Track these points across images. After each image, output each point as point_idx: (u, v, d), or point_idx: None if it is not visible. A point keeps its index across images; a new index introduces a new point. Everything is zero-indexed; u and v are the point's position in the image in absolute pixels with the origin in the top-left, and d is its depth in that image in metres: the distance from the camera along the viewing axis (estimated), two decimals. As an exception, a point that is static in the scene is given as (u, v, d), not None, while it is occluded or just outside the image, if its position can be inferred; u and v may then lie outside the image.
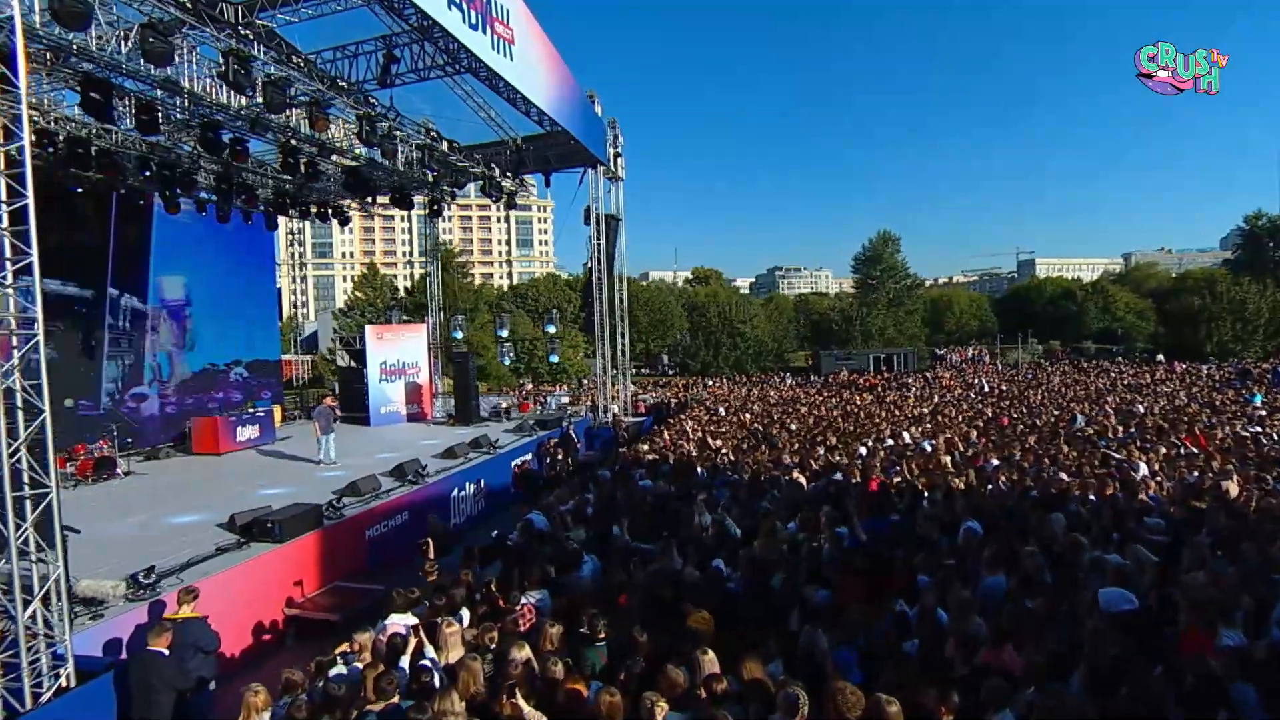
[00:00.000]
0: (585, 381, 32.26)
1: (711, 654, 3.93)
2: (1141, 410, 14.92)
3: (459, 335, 20.79)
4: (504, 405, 20.03)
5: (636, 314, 55.25)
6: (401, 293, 57.03)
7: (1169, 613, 4.47)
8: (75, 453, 11.69)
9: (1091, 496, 7.67)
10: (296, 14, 11.57)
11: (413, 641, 4.58)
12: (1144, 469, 8.84)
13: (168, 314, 15.69)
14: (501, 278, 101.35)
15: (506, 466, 13.63)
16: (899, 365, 32.25)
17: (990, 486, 8.57)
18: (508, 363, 24.70)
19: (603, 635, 4.64)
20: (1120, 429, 12.35)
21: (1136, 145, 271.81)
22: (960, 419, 14.89)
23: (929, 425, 14.25)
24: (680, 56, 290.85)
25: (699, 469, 10.45)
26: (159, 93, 10.28)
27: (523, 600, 5.39)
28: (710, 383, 34.27)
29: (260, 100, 9.85)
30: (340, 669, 4.77)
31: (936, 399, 20.22)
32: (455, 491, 11.60)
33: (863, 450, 11.90)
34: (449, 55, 11.61)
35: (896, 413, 16.82)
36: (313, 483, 10.88)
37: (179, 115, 11.14)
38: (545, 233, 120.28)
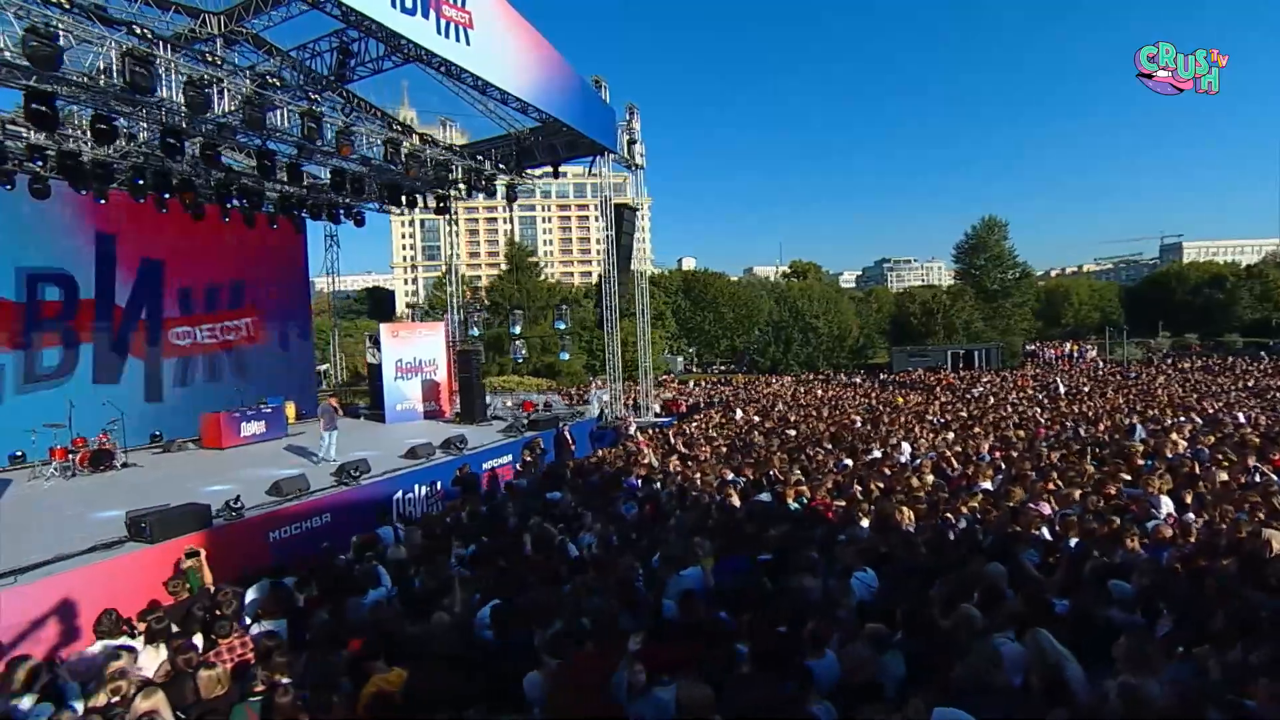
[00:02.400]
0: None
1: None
2: (1241, 420, 11.86)
3: (476, 333, 20.71)
4: (515, 403, 19.73)
5: (722, 310, 54.09)
6: (481, 292, 59.28)
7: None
8: (76, 445, 12.56)
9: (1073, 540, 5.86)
10: (270, 19, 11.83)
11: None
12: (1167, 506, 6.71)
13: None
14: (599, 275, 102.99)
15: (474, 468, 13.14)
16: (980, 362, 28.60)
17: (946, 519, 6.86)
18: (520, 360, 24.32)
19: (260, 689, 3.85)
20: (1182, 445, 9.73)
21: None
22: (996, 426, 12.58)
23: (951, 434, 12.13)
24: (774, 47, 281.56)
25: (624, 481, 9.36)
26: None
27: (253, 629, 4.72)
28: (773, 380, 32.34)
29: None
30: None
31: (992, 400, 17.47)
32: (400, 493, 11.23)
33: (849, 462, 10.29)
34: (388, 45, 11.25)
35: (929, 418, 14.60)
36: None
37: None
38: (643, 229, 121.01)
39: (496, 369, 44.42)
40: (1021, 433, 11.70)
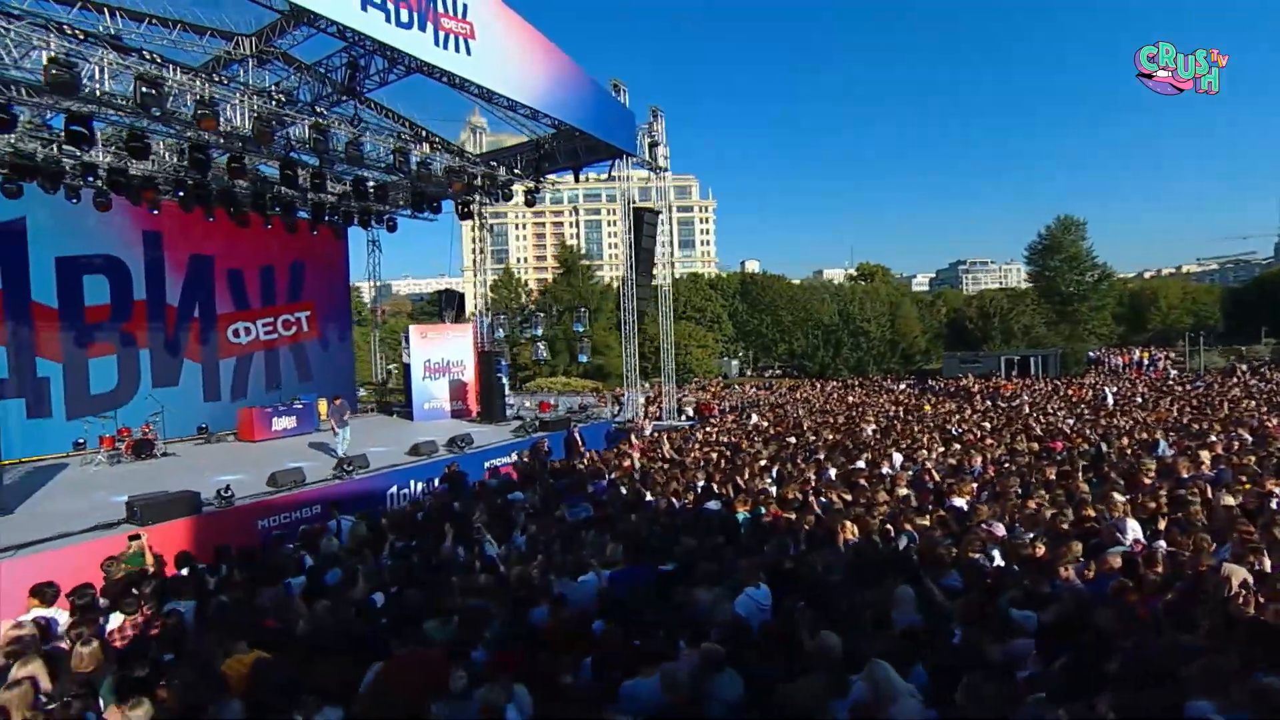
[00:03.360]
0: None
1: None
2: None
3: (501, 335, 21.23)
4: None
5: (780, 313, 53.14)
6: (536, 294, 60.63)
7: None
8: (121, 434, 13.78)
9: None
10: (294, 38, 12.63)
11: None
12: (1134, 532, 6.07)
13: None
14: (663, 278, 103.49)
15: (476, 466, 13.51)
16: (1036, 369, 26.70)
17: (886, 536, 6.49)
18: (542, 360, 24.74)
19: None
20: (1205, 465, 8.74)
21: None
22: (1014, 438, 11.76)
23: (959, 445, 11.43)
24: (845, 44, 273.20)
25: (593, 483, 9.36)
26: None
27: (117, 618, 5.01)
28: (816, 385, 31.44)
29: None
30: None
31: (1027, 410, 16.27)
32: (393, 489, 11.69)
33: (832, 472, 9.89)
34: (388, 59, 11.73)
35: (950, 427, 13.81)
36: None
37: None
38: (707, 233, 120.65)
39: (549, 370, 45.39)
40: (1035, 446, 10.87)
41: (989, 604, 4.70)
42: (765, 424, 15.96)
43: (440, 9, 11.77)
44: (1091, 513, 6.78)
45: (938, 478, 8.71)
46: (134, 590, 5.26)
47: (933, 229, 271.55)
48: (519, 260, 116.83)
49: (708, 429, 15.51)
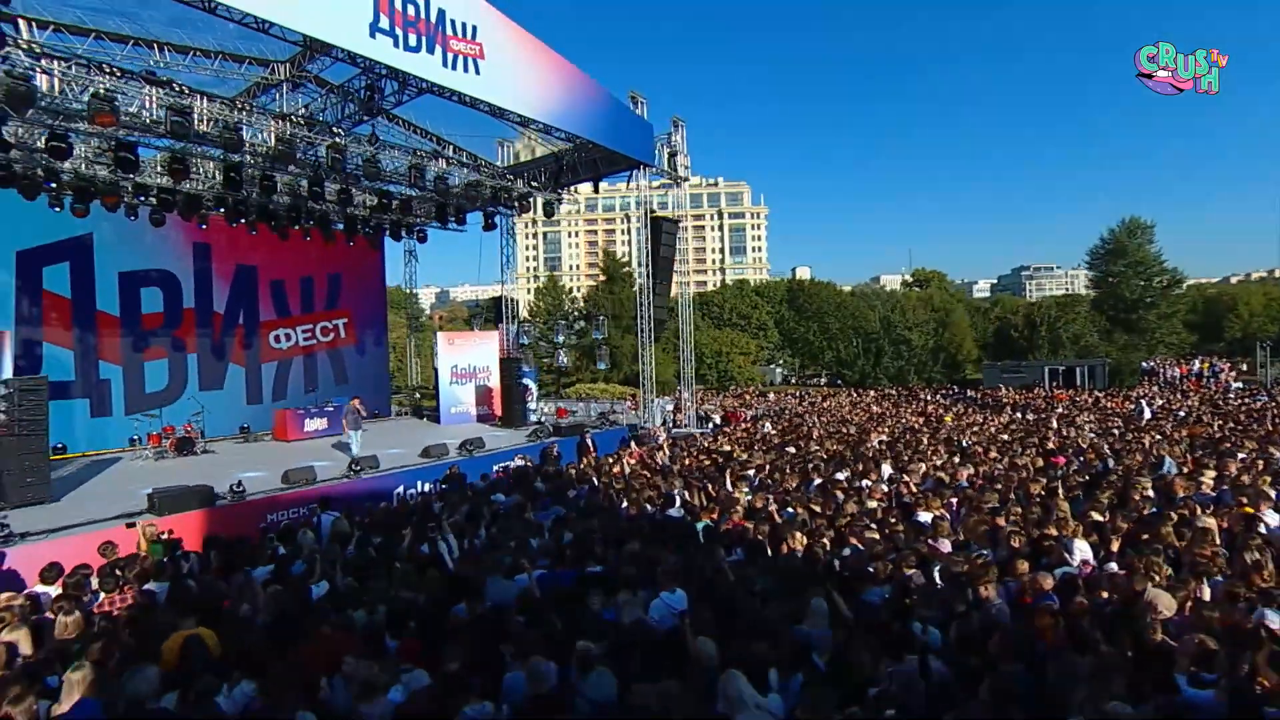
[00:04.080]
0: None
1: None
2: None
3: (525, 342, 21.82)
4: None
5: (827, 320, 52.32)
6: (580, 301, 61.52)
7: None
8: (167, 432, 14.97)
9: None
10: (323, 63, 13.56)
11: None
12: (1082, 552, 5.86)
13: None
14: (715, 285, 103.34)
15: (487, 469, 13.97)
16: (1082, 380, 25.27)
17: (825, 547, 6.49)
18: (564, 366, 25.17)
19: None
20: (1208, 485, 8.20)
21: None
22: (1016, 449, 11.34)
23: (958, 458, 11.11)
24: (903, 48, 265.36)
25: (574, 488, 9.62)
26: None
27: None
28: (850, 394, 30.76)
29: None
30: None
31: (1055, 423, 15.50)
32: (401, 488, 12.26)
33: (817, 482, 9.83)
34: (399, 81, 12.41)
35: (955, 438, 13.39)
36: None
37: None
38: (759, 239, 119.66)
39: (590, 376, 46.05)
40: (1040, 461, 10.43)
41: (896, 620, 4.69)
42: (773, 433, 15.84)
43: (449, 31, 12.39)
44: (1053, 531, 6.56)
45: (915, 490, 8.54)
46: (118, 572, 5.86)
47: (996, 233, 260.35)
48: (572, 267, 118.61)
49: (717, 437, 15.53)
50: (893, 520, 7.32)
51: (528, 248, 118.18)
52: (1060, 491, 7.90)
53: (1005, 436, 13.62)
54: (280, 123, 12.12)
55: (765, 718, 3.55)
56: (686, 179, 20.25)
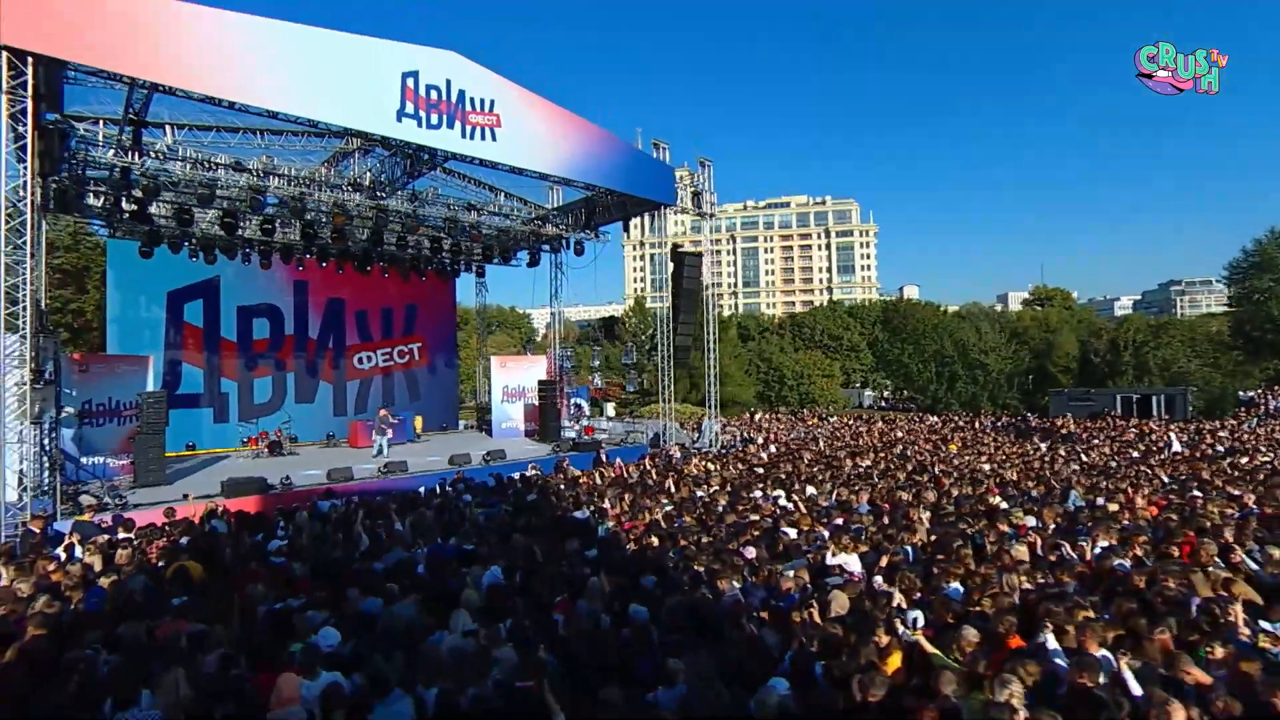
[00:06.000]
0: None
1: None
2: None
3: (568, 366, 23.97)
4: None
5: (924, 341, 50.54)
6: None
7: None
8: (262, 436, 18.55)
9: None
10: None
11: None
12: (851, 567, 6.72)
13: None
14: (824, 304, 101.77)
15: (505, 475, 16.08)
16: (1158, 409, 23.12)
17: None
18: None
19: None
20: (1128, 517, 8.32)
21: None
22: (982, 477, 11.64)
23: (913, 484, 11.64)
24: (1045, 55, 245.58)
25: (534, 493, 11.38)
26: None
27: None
28: (912, 419, 30.02)
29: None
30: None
31: (1063, 452, 14.99)
32: (422, 489, 14.60)
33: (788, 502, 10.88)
34: (426, 153, 15.01)
35: (928, 465, 13.68)
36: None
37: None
38: (868, 258, 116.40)
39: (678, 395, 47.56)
40: (970, 489, 10.74)
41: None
42: (765, 455, 16.68)
43: (469, 107, 14.83)
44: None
45: (804, 509, 9.45)
46: (166, 528, 8.48)
47: (1141, 245, 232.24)
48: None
49: (711, 457, 16.62)
50: (755, 532, 8.39)
51: (635, 269, 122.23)
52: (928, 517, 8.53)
53: (987, 466, 13.65)
54: (333, 192, 15.08)
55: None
56: (713, 215, 21.61)
